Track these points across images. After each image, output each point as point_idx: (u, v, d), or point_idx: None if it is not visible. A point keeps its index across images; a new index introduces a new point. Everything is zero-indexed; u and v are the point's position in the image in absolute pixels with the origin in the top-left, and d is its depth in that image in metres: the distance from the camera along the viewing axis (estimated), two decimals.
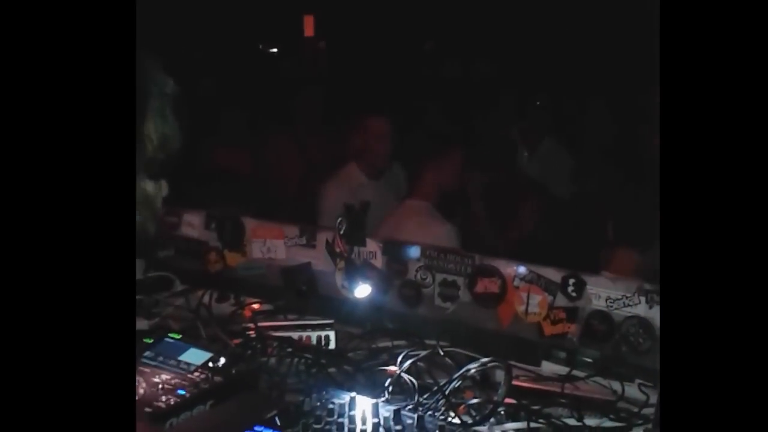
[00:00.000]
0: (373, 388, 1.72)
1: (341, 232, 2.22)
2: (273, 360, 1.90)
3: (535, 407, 1.65)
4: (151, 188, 1.25)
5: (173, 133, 1.26)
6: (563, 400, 1.72)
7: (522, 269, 2.11)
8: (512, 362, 1.75)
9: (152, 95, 1.20)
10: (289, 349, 1.92)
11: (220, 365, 1.73)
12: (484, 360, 1.71)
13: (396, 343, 2.03)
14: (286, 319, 2.20)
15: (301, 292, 2.37)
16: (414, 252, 2.27)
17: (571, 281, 2.03)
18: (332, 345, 2.04)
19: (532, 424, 1.59)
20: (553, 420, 1.61)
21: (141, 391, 1.58)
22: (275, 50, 8.75)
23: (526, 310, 2.09)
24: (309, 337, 2.04)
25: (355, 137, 3.77)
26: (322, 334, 2.05)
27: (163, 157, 1.25)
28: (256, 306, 2.30)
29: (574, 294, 2.02)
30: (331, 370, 1.86)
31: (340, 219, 2.23)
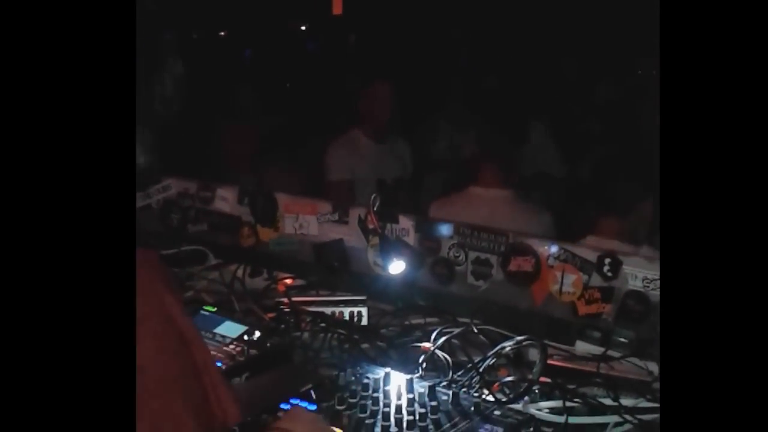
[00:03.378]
0: (406, 365, 1.72)
1: (375, 209, 2.21)
2: (306, 334, 1.92)
3: (571, 386, 1.64)
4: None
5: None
6: (598, 380, 1.71)
7: (555, 248, 2.09)
8: (546, 341, 1.74)
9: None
10: (323, 324, 1.94)
11: (255, 338, 1.75)
12: (519, 338, 1.71)
13: (429, 320, 2.03)
14: (319, 295, 2.21)
15: (333, 269, 2.37)
16: (447, 229, 2.26)
17: (607, 261, 2.00)
18: (365, 321, 2.05)
19: (567, 403, 1.58)
20: (588, 399, 1.60)
21: None
22: (303, 28, 8.73)
23: (560, 289, 2.07)
24: (342, 313, 2.05)
25: (360, 101, 3.91)
26: (355, 310, 2.06)
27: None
28: (288, 281, 2.31)
29: (609, 274, 2.00)
30: (364, 345, 1.87)
31: (374, 195, 2.22)
